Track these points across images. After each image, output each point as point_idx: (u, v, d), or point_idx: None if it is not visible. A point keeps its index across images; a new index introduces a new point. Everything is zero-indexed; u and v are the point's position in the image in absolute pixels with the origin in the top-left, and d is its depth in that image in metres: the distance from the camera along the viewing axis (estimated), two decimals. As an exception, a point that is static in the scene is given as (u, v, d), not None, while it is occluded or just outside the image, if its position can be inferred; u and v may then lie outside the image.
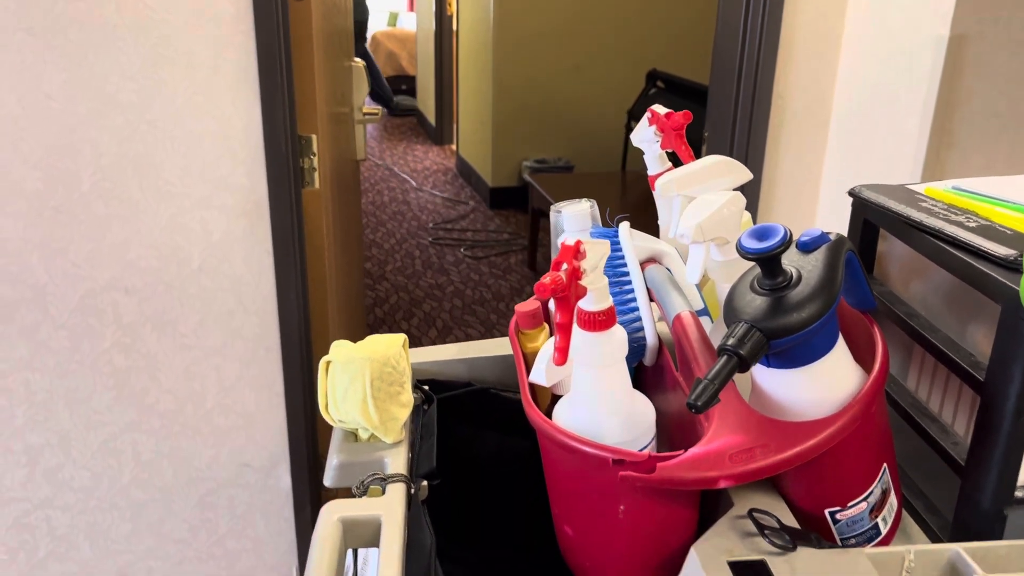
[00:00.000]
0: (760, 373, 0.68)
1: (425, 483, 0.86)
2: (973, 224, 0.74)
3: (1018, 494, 0.67)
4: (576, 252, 0.61)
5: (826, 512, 0.68)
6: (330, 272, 1.86)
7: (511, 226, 4.81)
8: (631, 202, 4.13)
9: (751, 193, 1.81)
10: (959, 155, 1.58)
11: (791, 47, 1.71)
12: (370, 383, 0.87)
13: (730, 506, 0.69)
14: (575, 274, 0.61)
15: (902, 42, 1.59)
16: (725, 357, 0.61)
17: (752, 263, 0.66)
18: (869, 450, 0.68)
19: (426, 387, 1.01)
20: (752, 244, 0.62)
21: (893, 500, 0.71)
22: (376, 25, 8.41)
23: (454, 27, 5.91)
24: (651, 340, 0.81)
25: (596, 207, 0.93)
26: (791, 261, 0.65)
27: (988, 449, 0.67)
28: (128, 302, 1.55)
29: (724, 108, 1.80)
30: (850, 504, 0.68)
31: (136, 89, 1.44)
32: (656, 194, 0.84)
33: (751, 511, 0.66)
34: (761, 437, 0.63)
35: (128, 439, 1.64)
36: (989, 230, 0.72)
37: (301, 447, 1.74)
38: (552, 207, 0.91)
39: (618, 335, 0.68)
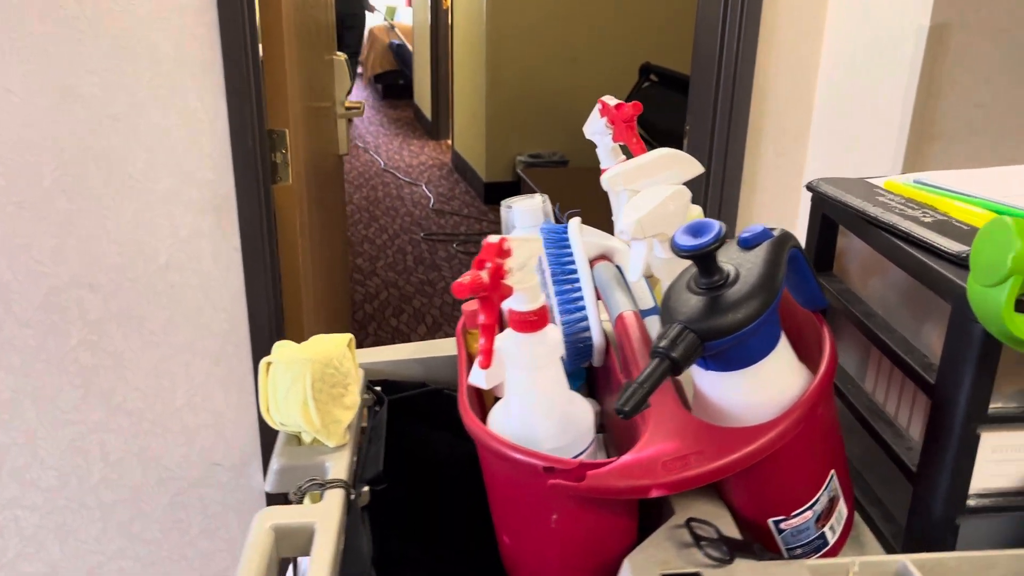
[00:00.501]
0: (699, 376, 0.65)
1: (367, 488, 0.83)
2: (929, 219, 0.70)
3: (971, 503, 0.64)
4: (500, 250, 0.58)
5: (770, 521, 0.65)
6: (305, 268, 1.83)
7: (505, 221, 4.77)
8: (624, 196, 4.09)
9: (731, 185, 1.78)
10: (942, 147, 1.54)
11: (772, 37, 1.67)
12: (311, 385, 0.84)
13: (671, 514, 0.66)
14: (498, 273, 0.58)
15: (884, 32, 1.56)
16: (656, 360, 0.58)
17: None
18: (815, 456, 0.65)
19: (378, 388, 0.99)
20: (686, 241, 0.59)
21: (843, 508, 0.68)
22: (374, 19, 8.37)
23: (450, 20, 5.87)
24: (597, 340, 0.78)
25: (548, 202, 0.90)
26: (730, 258, 0.62)
27: (939, 455, 0.64)
28: (94, 299, 1.52)
29: (704, 99, 1.77)
30: (794, 513, 0.64)
31: (98, 82, 1.41)
32: (605, 188, 0.81)
33: (689, 520, 0.63)
34: (696, 443, 0.60)
35: (96, 438, 1.62)
36: (945, 226, 0.69)
37: (273, 445, 1.71)
38: (503, 203, 0.88)
39: (551, 336, 0.65)
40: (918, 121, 1.51)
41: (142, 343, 1.58)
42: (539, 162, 4.90)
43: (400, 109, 7.86)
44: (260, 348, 1.63)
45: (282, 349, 0.87)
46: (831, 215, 0.81)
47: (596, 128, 0.86)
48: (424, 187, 5.39)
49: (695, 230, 0.60)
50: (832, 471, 0.66)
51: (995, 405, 0.62)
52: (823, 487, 0.65)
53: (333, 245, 2.45)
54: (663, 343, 0.58)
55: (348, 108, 2.45)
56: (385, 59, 8.18)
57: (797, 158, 1.77)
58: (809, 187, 0.82)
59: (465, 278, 0.56)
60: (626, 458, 0.60)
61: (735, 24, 1.67)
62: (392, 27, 8.16)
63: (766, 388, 0.62)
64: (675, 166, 0.77)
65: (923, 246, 0.67)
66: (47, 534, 1.66)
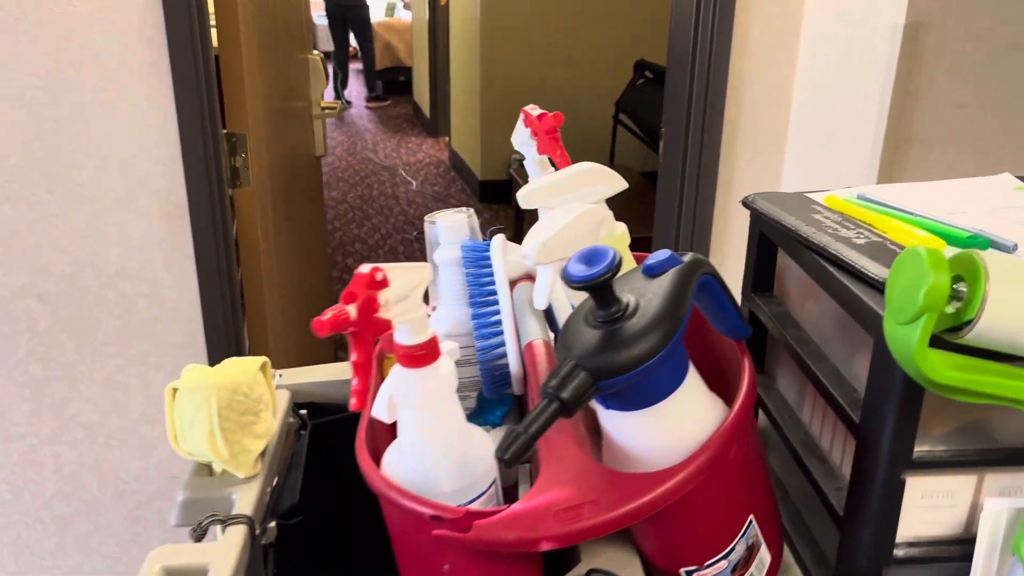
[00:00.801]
0: (602, 416, 0.59)
1: (273, 524, 0.78)
2: (862, 241, 0.65)
3: (899, 553, 0.59)
4: (371, 281, 0.53)
5: (682, 571, 0.60)
6: (269, 274, 1.79)
7: (500, 220, 4.73)
8: (620, 197, 4.03)
9: (707, 186, 1.72)
10: (921, 149, 1.48)
11: (746, 36, 1.62)
12: (217, 413, 0.79)
13: (577, 562, 0.61)
14: (370, 306, 0.53)
15: (859, 31, 1.50)
16: (544, 402, 0.53)
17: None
18: (728, 501, 0.59)
19: (303, 411, 0.94)
20: (578, 271, 0.54)
21: (764, 555, 0.62)
22: (373, 16, 8.31)
23: (447, 18, 5.82)
24: (514, 368, 0.72)
25: (474, 217, 0.84)
26: (634, 288, 0.57)
27: (864, 500, 0.58)
28: (42, 309, 1.48)
29: (679, 99, 1.71)
30: (708, 563, 0.59)
31: (41, 86, 1.37)
32: (522, 206, 0.76)
33: (590, 572, 0.58)
34: (592, 491, 0.55)
35: (49, 451, 1.57)
36: (878, 248, 0.63)
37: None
38: (426, 218, 0.83)
39: (443, 370, 0.60)
40: (895, 123, 1.45)
41: (94, 354, 1.53)
42: (535, 160, 4.84)
43: (400, 106, 7.81)
44: (218, 358, 1.58)
45: (189, 374, 0.82)
46: (768, 234, 0.76)
47: (522, 139, 0.81)
48: (420, 185, 5.34)
49: (588, 258, 0.54)
50: (751, 516, 0.61)
51: (922, 448, 0.56)
52: (739, 534, 0.60)
53: (309, 248, 2.40)
54: (552, 382, 0.53)
55: (324, 108, 2.40)
56: (385, 55, 8.13)
57: (774, 159, 1.72)
58: (744, 203, 0.76)
59: (326, 314, 0.51)
60: (516, 507, 0.55)
61: (708, 24, 1.61)
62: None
63: (672, 429, 0.57)
64: (596, 182, 0.72)
65: (850, 271, 0.61)
66: (1, 548, 1.62)
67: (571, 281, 0.54)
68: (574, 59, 4.79)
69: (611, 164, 4.52)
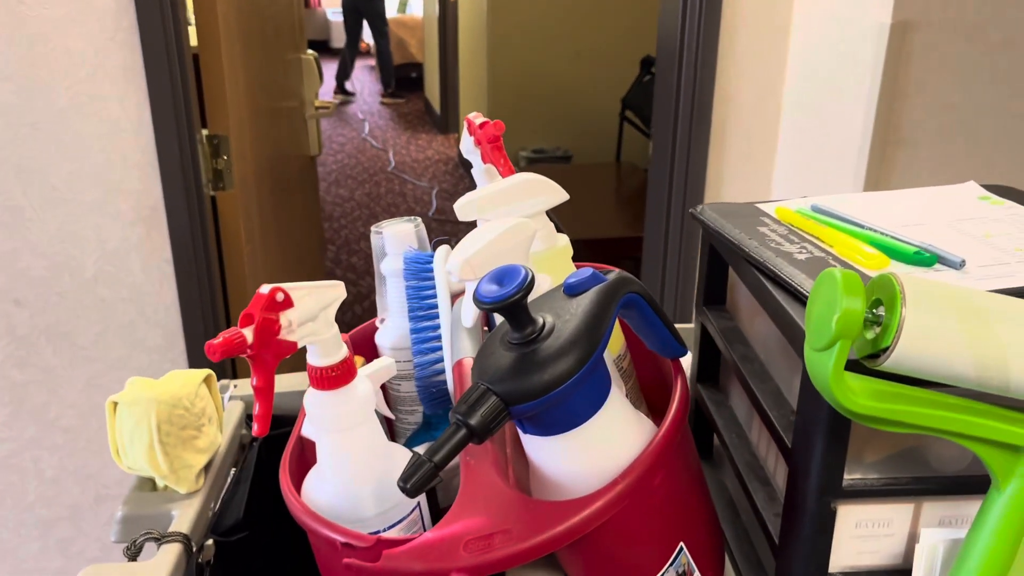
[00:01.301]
0: (524, 440, 0.57)
1: (211, 542, 0.77)
2: (804, 256, 0.62)
3: (832, 584, 0.56)
4: (271, 302, 0.51)
5: (607, 601, 0.58)
6: (255, 277, 1.77)
7: (506, 218, 4.70)
8: (624, 195, 4.00)
9: (695, 191, 1.69)
10: (909, 152, 1.45)
11: (734, 36, 1.58)
12: (157, 427, 0.77)
13: (504, 588, 0.59)
14: (269, 328, 0.51)
15: (847, 31, 1.46)
16: (452, 428, 0.51)
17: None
18: (655, 528, 0.57)
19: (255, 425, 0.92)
20: (488, 291, 0.52)
21: (698, 583, 0.60)
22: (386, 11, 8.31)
23: (457, 13, 5.80)
24: (451, 386, 0.70)
25: (422, 227, 0.83)
26: (552, 308, 0.55)
27: (796, 528, 0.56)
28: (20, 314, 1.47)
29: (666, 103, 1.68)
30: (634, 592, 0.57)
31: (14, 90, 1.36)
32: (460, 218, 0.73)
33: (509, 601, 0.56)
34: (505, 520, 0.53)
35: (29, 456, 1.57)
36: (818, 264, 0.60)
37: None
38: (373, 227, 0.81)
39: (360, 391, 0.58)
40: (882, 124, 1.42)
41: (74, 358, 1.53)
42: (542, 157, 4.82)
43: (412, 102, 7.80)
44: (198, 363, 1.58)
45: (131, 387, 0.80)
46: (715, 246, 0.73)
47: (468, 147, 0.78)
48: (428, 182, 5.33)
49: (500, 277, 0.52)
50: (681, 543, 0.58)
51: (853, 476, 0.54)
52: (668, 562, 0.58)
53: (301, 250, 2.39)
54: (461, 408, 0.51)
55: (318, 108, 2.38)
56: (397, 52, 8.12)
57: (764, 162, 1.68)
58: (692, 214, 0.74)
59: (219, 338, 0.49)
60: (427, 536, 0.53)
61: (694, 25, 1.58)
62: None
63: (592, 454, 0.55)
64: (535, 193, 0.70)
65: (787, 288, 0.59)
66: (-16, 552, 1.63)
67: (481, 302, 0.51)
68: (582, 55, 4.76)
69: (617, 161, 4.48)
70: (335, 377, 0.56)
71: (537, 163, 4.74)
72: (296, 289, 0.52)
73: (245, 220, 1.70)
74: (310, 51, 2.43)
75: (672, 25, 1.62)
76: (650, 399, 0.79)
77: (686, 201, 1.71)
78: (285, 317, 0.51)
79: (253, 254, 1.76)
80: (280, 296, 0.51)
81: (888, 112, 1.41)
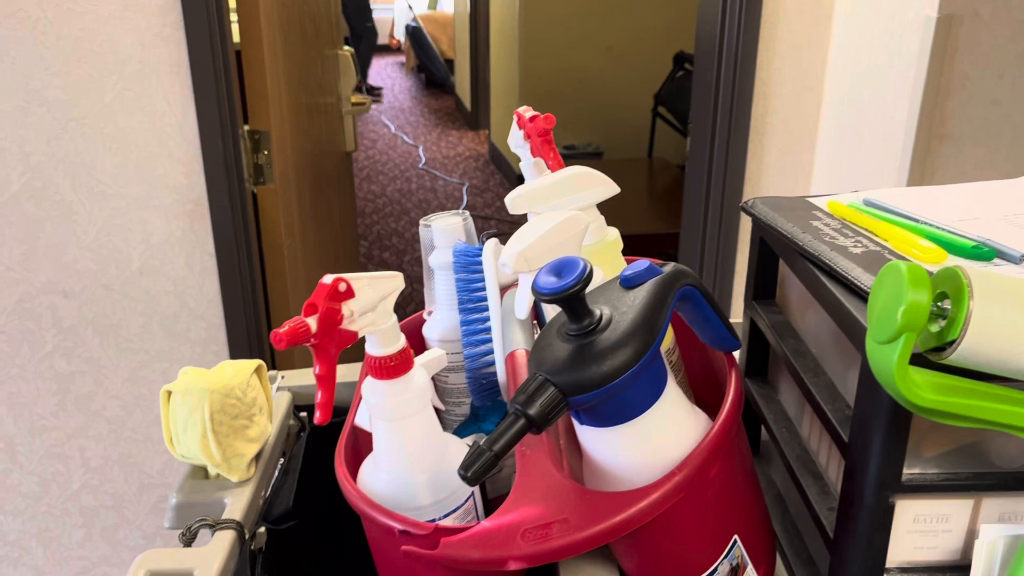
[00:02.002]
0: (579, 431, 0.57)
1: (262, 529, 0.78)
2: (859, 250, 0.62)
3: (889, 579, 0.56)
4: (334, 292, 0.52)
5: (662, 592, 0.58)
6: (293, 271, 1.79)
7: (537, 214, 4.70)
8: (657, 191, 3.99)
9: (733, 186, 1.69)
10: (954, 148, 1.43)
11: (775, 29, 1.57)
12: (210, 416, 0.79)
13: (556, 578, 0.60)
14: (332, 318, 0.52)
15: (891, 25, 1.45)
16: (511, 418, 0.51)
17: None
18: (710, 521, 0.57)
19: (303, 414, 0.93)
20: (547, 282, 0.52)
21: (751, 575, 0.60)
22: (416, 8, 8.34)
23: (488, 9, 5.80)
24: (502, 378, 0.71)
25: (470, 220, 0.83)
26: (609, 300, 0.55)
27: (853, 523, 0.56)
28: (67, 305, 1.50)
29: (705, 98, 1.68)
30: (688, 584, 0.57)
31: (62, 85, 1.38)
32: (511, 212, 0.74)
33: (565, 590, 0.56)
34: (562, 510, 0.53)
35: (75, 445, 1.60)
36: (874, 258, 0.60)
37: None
38: (421, 220, 0.82)
39: (417, 381, 0.58)
40: (927, 119, 1.40)
41: (119, 349, 1.55)
42: (573, 153, 4.81)
43: (442, 99, 7.81)
44: (239, 355, 1.60)
45: (184, 376, 0.82)
46: (768, 241, 0.73)
47: (517, 141, 0.79)
48: (459, 179, 5.34)
49: (559, 269, 0.53)
50: (735, 536, 0.58)
51: (912, 471, 0.54)
52: (722, 555, 0.58)
53: (338, 246, 2.40)
54: (520, 398, 0.51)
55: (354, 104, 2.40)
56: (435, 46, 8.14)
57: (803, 158, 1.67)
58: (743, 207, 0.74)
59: (284, 327, 0.50)
60: (484, 524, 0.54)
61: (735, 18, 1.58)
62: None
63: (648, 446, 0.55)
64: (586, 186, 0.70)
65: (843, 282, 0.58)
66: (30, 539, 1.66)
67: (540, 293, 0.52)
68: (615, 50, 4.74)
69: (649, 157, 4.47)
70: (394, 367, 0.56)
71: (568, 159, 4.69)
72: (357, 279, 0.53)
73: (285, 215, 1.72)
74: (346, 47, 2.45)
75: (712, 16, 1.62)
76: (697, 393, 0.79)
77: (724, 196, 1.70)
78: (347, 307, 0.52)
79: (292, 248, 1.78)
80: (343, 286, 0.52)
81: (932, 107, 1.39)
